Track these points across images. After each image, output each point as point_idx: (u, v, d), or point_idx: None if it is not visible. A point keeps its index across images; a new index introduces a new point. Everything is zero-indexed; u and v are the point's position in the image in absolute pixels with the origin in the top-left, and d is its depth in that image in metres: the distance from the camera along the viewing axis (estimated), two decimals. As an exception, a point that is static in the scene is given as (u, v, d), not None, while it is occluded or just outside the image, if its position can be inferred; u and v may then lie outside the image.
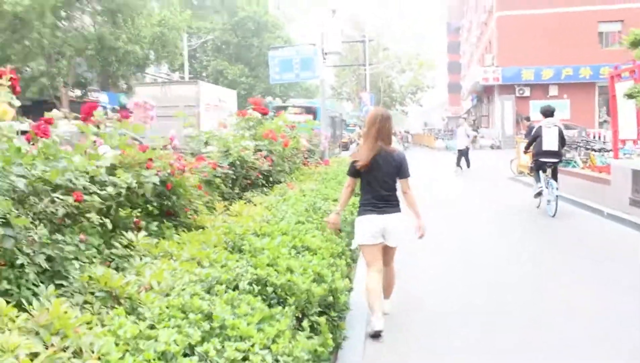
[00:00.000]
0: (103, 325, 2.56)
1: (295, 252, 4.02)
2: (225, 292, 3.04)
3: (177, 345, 2.31)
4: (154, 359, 2.15)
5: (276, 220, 5.10)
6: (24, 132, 4.61)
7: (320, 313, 3.42)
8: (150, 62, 33.31)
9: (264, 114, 9.71)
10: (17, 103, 3.96)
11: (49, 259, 3.26)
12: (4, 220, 2.98)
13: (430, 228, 5.27)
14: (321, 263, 3.82)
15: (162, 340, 2.32)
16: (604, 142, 19.08)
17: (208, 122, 8.96)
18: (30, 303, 2.62)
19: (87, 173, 4.00)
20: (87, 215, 3.76)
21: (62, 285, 3.12)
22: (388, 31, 60.57)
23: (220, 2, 47.43)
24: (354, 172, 4.97)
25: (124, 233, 3.89)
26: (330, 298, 3.55)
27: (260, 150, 8.40)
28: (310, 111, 27.34)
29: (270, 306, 3.17)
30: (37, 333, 2.37)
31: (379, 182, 4.87)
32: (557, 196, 10.53)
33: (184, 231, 4.88)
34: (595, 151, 14.87)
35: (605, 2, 36.93)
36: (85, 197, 3.74)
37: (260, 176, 7.87)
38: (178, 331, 2.44)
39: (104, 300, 2.97)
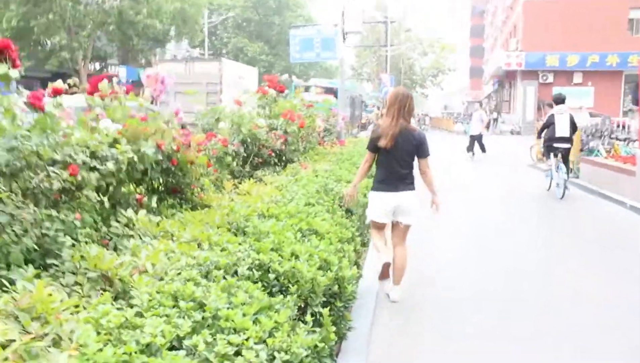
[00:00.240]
0: (92, 309, 2.39)
1: (301, 236, 3.81)
2: (224, 278, 2.85)
3: (164, 337, 2.13)
4: (135, 352, 1.97)
5: (285, 201, 4.90)
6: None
7: (325, 304, 3.22)
8: (170, 38, 33.15)
9: (280, 91, 9.48)
10: (16, 75, 3.79)
11: (40, 236, 3.11)
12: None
13: (446, 212, 5.31)
14: (328, 248, 3.62)
15: (148, 331, 2.13)
16: (628, 132, 18.60)
17: (229, 99, 8.93)
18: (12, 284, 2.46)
19: (88, 147, 3.83)
20: (84, 192, 3.59)
21: (53, 265, 2.97)
22: (411, 13, 59.68)
23: (243, -22, 46.94)
24: (373, 148, 4.96)
25: (123, 211, 3.71)
26: (336, 287, 3.35)
27: (275, 129, 8.19)
28: (331, 91, 27.06)
29: (271, 294, 2.98)
30: (16, 318, 2.20)
31: (397, 160, 4.87)
32: (565, 180, 10.86)
33: (189, 209, 4.71)
34: (619, 140, 14.44)
35: (637, -13, 35.91)
36: (83, 173, 3.57)
37: (273, 155, 7.67)
38: (166, 321, 2.26)
39: (96, 281, 2.80)
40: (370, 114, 40.23)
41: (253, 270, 3.06)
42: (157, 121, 4.43)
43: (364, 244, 5.62)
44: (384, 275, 4.78)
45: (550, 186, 11.63)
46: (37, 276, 2.85)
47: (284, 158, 8.16)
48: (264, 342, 2.34)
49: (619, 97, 37.76)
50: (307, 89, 26.81)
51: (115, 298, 2.67)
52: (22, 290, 2.38)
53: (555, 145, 11.09)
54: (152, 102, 4.93)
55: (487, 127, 20.29)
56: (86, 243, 3.41)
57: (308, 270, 3.12)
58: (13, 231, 2.84)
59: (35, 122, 3.68)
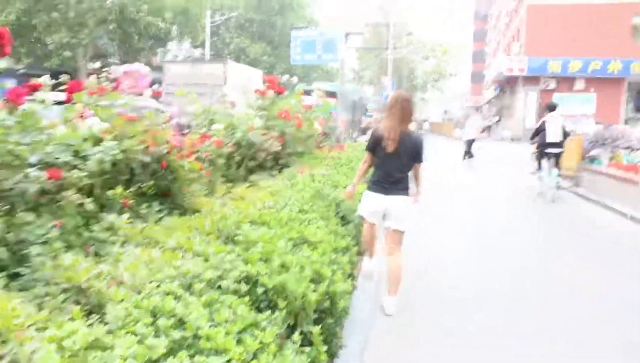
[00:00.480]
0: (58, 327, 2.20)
1: (293, 245, 3.63)
2: (207, 292, 2.67)
3: (136, 359, 1.94)
4: (100, 378, 1.79)
5: (278, 208, 4.71)
6: (59, 103, 4.27)
7: (317, 320, 3.04)
8: (172, 37, 32.98)
9: (279, 93, 9.29)
10: (2, 64, 3.62)
11: (14, 243, 2.93)
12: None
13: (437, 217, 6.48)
14: (321, 259, 3.43)
15: (118, 353, 1.95)
16: (629, 139, 18.43)
17: (238, 101, 8.89)
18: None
19: (71, 146, 3.65)
20: (65, 193, 3.41)
21: (26, 274, 2.79)
22: (413, 16, 59.49)
23: (246, -21, 46.78)
24: (372, 148, 5.04)
25: (106, 215, 3.52)
26: (328, 303, 3.16)
27: (269, 129, 8.00)
28: (334, 94, 26.93)
29: (259, 310, 2.79)
30: (-25, 335, 2.02)
31: (393, 163, 4.92)
32: (557, 183, 11.61)
33: (178, 214, 4.53)
34: (622, 148, 14.26)
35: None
36: (64, 173, 3.39)
37: (269, 158, 7.47)
38: (140, 340, 2.07)
39: (69, 293, 2.62)
40: (371, 118, 40.04)
41: (241, 282, 2.87)
42: (147, 120, 4.24)
43: (360, 253, 5.43)
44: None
45: (542, 190, 11.98)
46: (6, 286, 2.67)
47: (280, 161, 7.97)
48: (247, 364, 2.16)
49: (621, 104, 37.60)
50: (309, 92, 26.76)
51: (90, 313, 2.49)
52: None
53: (547, 150, 11.65)
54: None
55: (483, 131, 20.37)
56: (66, 249, 3.24)
57: (298, 283, 2.93)
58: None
59: (19, 119, 3.51)
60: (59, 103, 4.43)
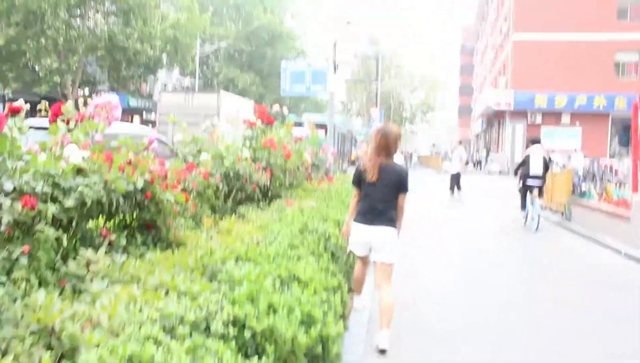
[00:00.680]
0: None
1: (280, 284, 3.44)
2: (190, 336, 2.47)
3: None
4: None
5: (266, 243, 4.54)
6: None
7: (306, 365, 2.85)
8: (161, 66, 32.96)
9: (269, 123, 9.17)
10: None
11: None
12: None
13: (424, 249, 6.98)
14: (312, 299, 3.24)
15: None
16: (615, 174, 18.57)
17: (227, 131, 8.87)
18: None
19: (51, 176, 3.46)
20: (40, 226, 3.21)
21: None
22: (402, 49, 60.24)
23: (236, 10, 47.13)
24: (357, 181, 5.15)
25: (83, 249, 3.33)
26: (320, 348, 2.97)
27: (258, 160, 7.84)
28: (324, 126, 27.03)
29: (246, 355, 2.60)
30: None
31: (377, 194, 4.96)
32: (539, 214, 12.12)
33: (162, 248, 4.33)
34: (611, 183, 14.31)
35: (624, 31, 36.41)
36: (40, 206, 3.20)
37: (257, 190, 7.29)
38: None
39: (40, 336, 2.41)
40: (360, 150, 40.08)
41: (229, 325, 2.68)
42: (127, 149, 4.06)
43: (351, 289, 5.25)
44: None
45: (526, 222, 12.64)
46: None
47: (269, 193, 7.80)
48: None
49: (606, 139, 38.01)
50: (300, 124, 27.00)
51: (61, 358, 2.29)
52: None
53: (529, 183, 12.28)
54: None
55: (467, 164, 20.70)
56: (39, 286, 3.04)
57: (287, 327, 2.75)
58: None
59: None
60: (43, 129, 4.27)
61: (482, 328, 5.55)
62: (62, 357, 2.34)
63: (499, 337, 5.31)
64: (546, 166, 12.44)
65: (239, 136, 8.65)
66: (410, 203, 5.23)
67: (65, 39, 24.03)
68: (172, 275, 3.25)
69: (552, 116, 38.23)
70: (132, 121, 37.16)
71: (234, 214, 6.39)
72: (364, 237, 4.98)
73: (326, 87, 18.90)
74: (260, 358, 2.55)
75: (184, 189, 5.25)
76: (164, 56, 29.84)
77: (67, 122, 4.04)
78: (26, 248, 3.00)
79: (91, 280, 3.16)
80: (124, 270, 3.28)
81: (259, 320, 2.75)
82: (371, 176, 4.93)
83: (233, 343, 2.56)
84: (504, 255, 9.87)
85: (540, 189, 12.38)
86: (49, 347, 2.37)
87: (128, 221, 4.51)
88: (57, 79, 24.59)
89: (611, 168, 19.06)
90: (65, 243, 3.33)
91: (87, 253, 3.30)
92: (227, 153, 6.99)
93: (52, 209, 3.26)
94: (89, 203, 3.45)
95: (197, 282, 3.18)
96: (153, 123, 35.74)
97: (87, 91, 29.73)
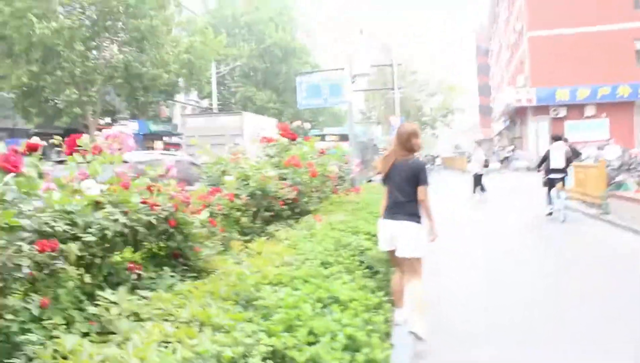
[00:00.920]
0: None
1: (320, 306, 3.24)
2: (228, 374, 2.28)
3: None
4: None
5: (298, 263, 4.34)
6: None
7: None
8: (178, 90, 33.20)
9: (292, 139, 9.00)
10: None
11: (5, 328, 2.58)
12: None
13: (448, 250, 7.04)
14: (354, 322, 3.04)
15: None
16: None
17: (252, 151, 8.87)
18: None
19: (68, 213, 3.32)
20: (61, 266, 3.06)
21: None
22: (416, 55, 59.92)
23: (248, 30, 47.41)
24: (384, 181, 5.36)
25: (99, 291, 3.16)
26: (367, 375, 2.76)
27: (284, 179, 7.68)
28: (346, 138, 26.95)
29: (288, 390, 2.40)
30: None
31: (396, 188, 5.13)
32: (565, 205, 12.68)
33: (191, 276, 4.17)
34: (644, 172, 13.93)
35: (642, 19, 35.74)
36: (61, 245, 3.05)
37: (285, 207, 7.11)
38: None
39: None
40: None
41: (267, 360, 2.48)
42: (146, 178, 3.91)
43: (393, 303, 5.03)
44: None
45: (552, 214, 13.12)
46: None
47: (297, 210, 7.62)
48: None
49: (632, 128, 37.18)
50: (323, 137, 27.19)
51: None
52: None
53: (552, 176, 12.94)
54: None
55: (486, 165, 20.63)
56: (66, 327, 2.88)
57: (332, 355, 2.54)
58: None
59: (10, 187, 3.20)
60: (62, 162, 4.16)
61: (506, 327, 5.44)
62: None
63: (524, 335, 5.17)
64: (568, 159, 12.99)
65: (261, 154, 8.51)
66: (433, 203, 5.21)
67: (82, 70, 24.32)
68: (203, 307, 3.07)
69: (576, 108, 37.55)
70: (154, 147, 37.45)
71: (262, 234, 6.22)
72: (388, 232, 5.11)
73: (343, 97, 18.76)
74: (305, 393, 2.35)
75: (210, 214, 5.10)
76: (180, 80, 30.06)
77: (84, 155, 3.91)
78: (44, 301, 2.84)
79: (118, 319, 2.99)
80: (153, 304, 3.11)
81: (300, 350, 2.55)
82: (384, 171, 5.22)
83: (275, 379, 2.37)
84: (529, 251, 9.71)
85: (562, 181, 12.90)
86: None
87: (155, 251, 4.36)
88: (77, 110, 24.89)
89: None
90: (89, 280, 3.16)
91: (107, 294, 3.13)
92: (252, 172, 6.83)
93: (73, 248, 3.12)
94: (109, 235, 3.29)
95: (230, 314, 2.99)
96: (175, 146, 35.96)
97: (108, 119, 30.05)
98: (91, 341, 2.75)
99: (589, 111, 37.35)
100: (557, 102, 37.68)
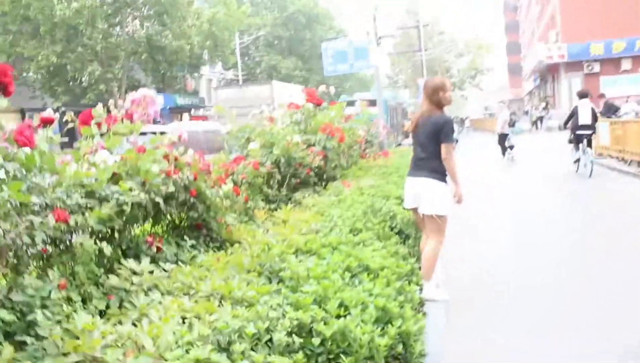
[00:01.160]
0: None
1: (350, 276, 3.05)
2: (251, 351, 2.11)
3: None
4: None
5: (325, 230, 4.15)
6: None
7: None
8: (203, 62, 33.07)
9: (318, 105, 8.75)
10: (3, 103, 3.17)
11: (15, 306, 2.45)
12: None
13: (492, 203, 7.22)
14: (385, 292, 2.83)
15: None
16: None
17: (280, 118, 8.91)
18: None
19: (84, 186, 3.17)
20: (77, 240, 2.92)
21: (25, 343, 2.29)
22: (443, 15, 58.54)
23: (270, -1, 46.88)
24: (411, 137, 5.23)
25: (125, 261, 3.01)
26: (400, 347, 2.56)
27: (312, 145, 7.46)
28: (374, 102, 26.72)
29: (316, 367, 2.22)
30: None
31: (418, 144, 5.00)
32: (591, 160, 12.80)
33: (215, 248, 4.01)
34: None
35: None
36: (77, 218, 2.90)
37: (312, 174, 6.91)
38: None
39: (81, 367, 2.10)
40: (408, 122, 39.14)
41: (292, 335, 2.30)
42: (159, 150, 3.72)
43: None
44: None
45: (578, 169, 13.35)
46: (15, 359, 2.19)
47: (324, 176, 7.41)
48: None
49: (673, 82, 35.78)
50: (352, 103, 27.10)
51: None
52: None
53: (579, 132, 12.96)
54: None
55: (512, 125, 20.31)
56: (83, 303, 2.75)
57: (362, 329, 2.35)
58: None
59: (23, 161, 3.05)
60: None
61: (535, 288, 5.18)
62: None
63: (554, 294, 4.95)
64: (595, 116, 13.07)
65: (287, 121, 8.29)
66: (461, 165, 5.13)
67: (105, 47, 24.34)
68: (225, 280, 2.90)
69: (611, 63, 36.22)
70: (181, 119, 37.50)
71: (289, 201, 6.05)
72: (410, 189, 4.96)
73: (369, 62, 18.40)
74: (334, 369, 2.16)
75: (233, 182, 4.93)
76: (205, 52, 29.90)
77: (99, 126, 3.74)
78: (63, 284, 2.70)
79: (137, 293, 2.85)
80: (174, 277, 2.95)
81: (327, 323, 2.36)
82: (413, 127, 5.05)
83: (300, 354, 2.18)
84: (557, 209, 9.57)
85: (590, 138, 13.03)
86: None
87: (177, 223, 4.21)
88: (102, 87, 24.97)
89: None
90: (108, 253, 3.02)
91: (130, 264, 2.98)
92: (276, 139, 6.62)
93: (89, 220, 2.97)
94: (127, 209, 3.13)
95: (254, 285, 2.82)
96: (202, 118, 35.94)
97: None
98: (107, 318, 2.63)
99: (626, 64, 36.00)
100: (591, 57, 36.39)
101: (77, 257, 2.94)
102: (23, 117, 27.38)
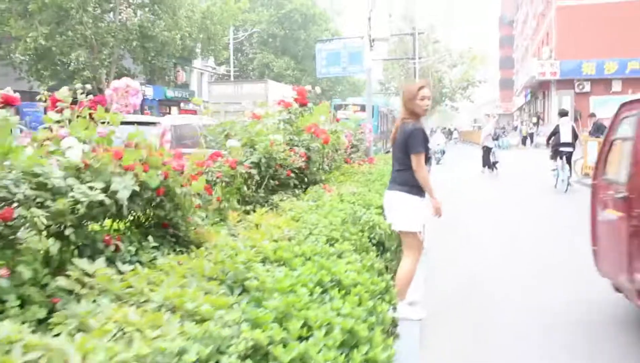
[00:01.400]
0: None
1: (320, 291, 2.80)
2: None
3: None
4: None
5: (300, 238, 3.90)
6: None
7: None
8: (195, 55, 32.72)
9: (303, 105, 8.51)
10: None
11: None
12: None
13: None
14: (355, 312, 2.59)
15: None
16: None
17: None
18: None
19: (36, 175, 2.90)
20: (24, 236, 2.66)
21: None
22: (438, 24, 58.59)
23: (268, -6, 46.58)
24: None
25: (76, 261, 2.75)
26: (366, 378, 2.33)
27: (295, 145, 7.22)
28: (363, 106, 26.68)
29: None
30: None
31: (393, 156, 4.87)
32: (568, 177, 13.98)
33: (180, 250, 3.75)
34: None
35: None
36: (23, 211, 2.64)
37: (293, 176, 6.66)
38: None
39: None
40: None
41: (246, 359, 2.06)
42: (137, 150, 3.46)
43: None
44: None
45: (556, 185, 14.45)
46: None
47: (305, 179, 7.17)
48: None
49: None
50: (345, 107, 27.02)
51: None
52: None
53: (561, 149, 14.02)
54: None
55: (496, 138, 20.56)
56: (20, 308, 2.49)
57: (325, 356, 2.11)
58: None
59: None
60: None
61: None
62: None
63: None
64: (575, 134, 14.20)
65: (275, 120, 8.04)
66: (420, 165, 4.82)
67: (94, 32, 23.95)
68: (182, 287, 2.65)
69: (602, 83, 36.41)
70: (170, 112, 37.08)
71: (266, 203, 5.79)
72: (386, 203, 4.87)
73: (363, 66, 18.22)
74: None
75: (206, 181, 4.67)
76: (198, 45, 29.59)
77: (61, 112, 3.47)
78: (4, 271, 2.44)
79: (86, 296, 2.58)
80: (127, 281, 2.69)
81: (287, 348, 2.12)
82: (391, 138, 4.90)
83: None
84: (526, 221, 10.08)
85: (570, 155, 14.11)
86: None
87: (142, 221, 3.95)
88: (87, 73, 24.56)
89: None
90: (55, 252, 2.75)
91: (82, 264, 2.72)
92: (257, 138, 6.36)
93: (38, 214, 2.70)
94: (81, 209, 2.86)
95: (213, 295, 2.57)
96: (191, 112, 35.57)
97: (123, 84, 29.67)
98: (47, 325, 2.36)
99: (616, 86, 36.18)
100: (583, 76, 36.53)
101: (20, 255, 2.67)
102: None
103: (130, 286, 2.64)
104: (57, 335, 2.20)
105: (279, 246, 3.55)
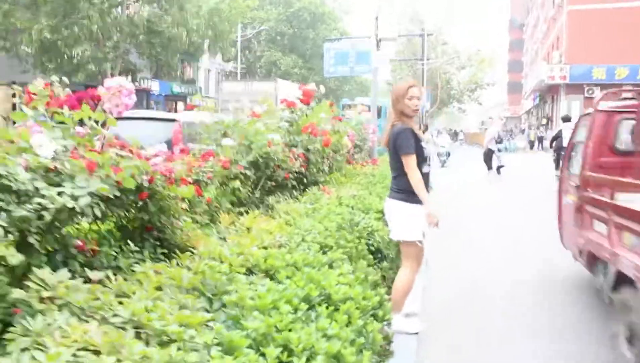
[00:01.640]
0: None
1: (306, 308, 2.57)
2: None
3: None
4: None
5: (292, 245, 3.67)
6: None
7: None
8: (202, 52, 32.52)
9: (306, 104, 8.27)
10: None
11: None
12: None
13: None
14: (342, 333, 2.36)
15: None
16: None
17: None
18: None
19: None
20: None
21: None
22: (448, 26, 58.17)
23: (277, -8, 46.36)
24: None
25: (36, 271, 2.51)
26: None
27: (294, 146, 6.98)
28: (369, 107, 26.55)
29: None
30: None
31: (389, 164, 4.62)
32: None
33: (163, 255, 3.51)
34: None
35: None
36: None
37: (291, 177, 6.40)
38: None
39: None
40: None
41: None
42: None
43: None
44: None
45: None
46: None
47: (304, 180, 6.92)
48: None
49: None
50: (354, 107, 27.00)
51: None
52: None
53: (562, 153, 14.05)
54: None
55: (500, 141, 20.37)
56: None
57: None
58: None
59: None
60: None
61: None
62: None
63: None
64: None
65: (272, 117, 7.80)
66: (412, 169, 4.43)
67: (101, 27, 23.77)
68: (155, 300, 2.42)
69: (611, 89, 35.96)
70: (176, 109, 36.94)
71: (262, 206, 5.55)
72: (385, 212, 4.61)
73: (370, 67, 18.01)
74: None
75: (197, 182, 4.44)
76: (205, 42, 29.39)
77: (35, 107, 3.24)
78: None
79: (47, 311, 2.35)
80: (92, 294, 2.46)
81: (261, 377, 1.88)
82: (384, 142, 4.63)
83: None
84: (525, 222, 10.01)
85: None
86: None
87: (124, 223, 3.71)
88: (92, 67, 24.37)
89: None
90: (15, 262, 2.51)
91: (43, 273, 2.48)
92: (255, 137, 6.10)
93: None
94: (47, 216, 2.62)
95: (187, 311, 2.34)
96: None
97: (128, 78, 29.52)
98: (1, 340, 2.14)
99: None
100: (593, 81, 36.11)
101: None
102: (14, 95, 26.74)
103: (97, 299, 2.41)
104: (8, 354, 1.98)
105: (269, 254, 3.32)
